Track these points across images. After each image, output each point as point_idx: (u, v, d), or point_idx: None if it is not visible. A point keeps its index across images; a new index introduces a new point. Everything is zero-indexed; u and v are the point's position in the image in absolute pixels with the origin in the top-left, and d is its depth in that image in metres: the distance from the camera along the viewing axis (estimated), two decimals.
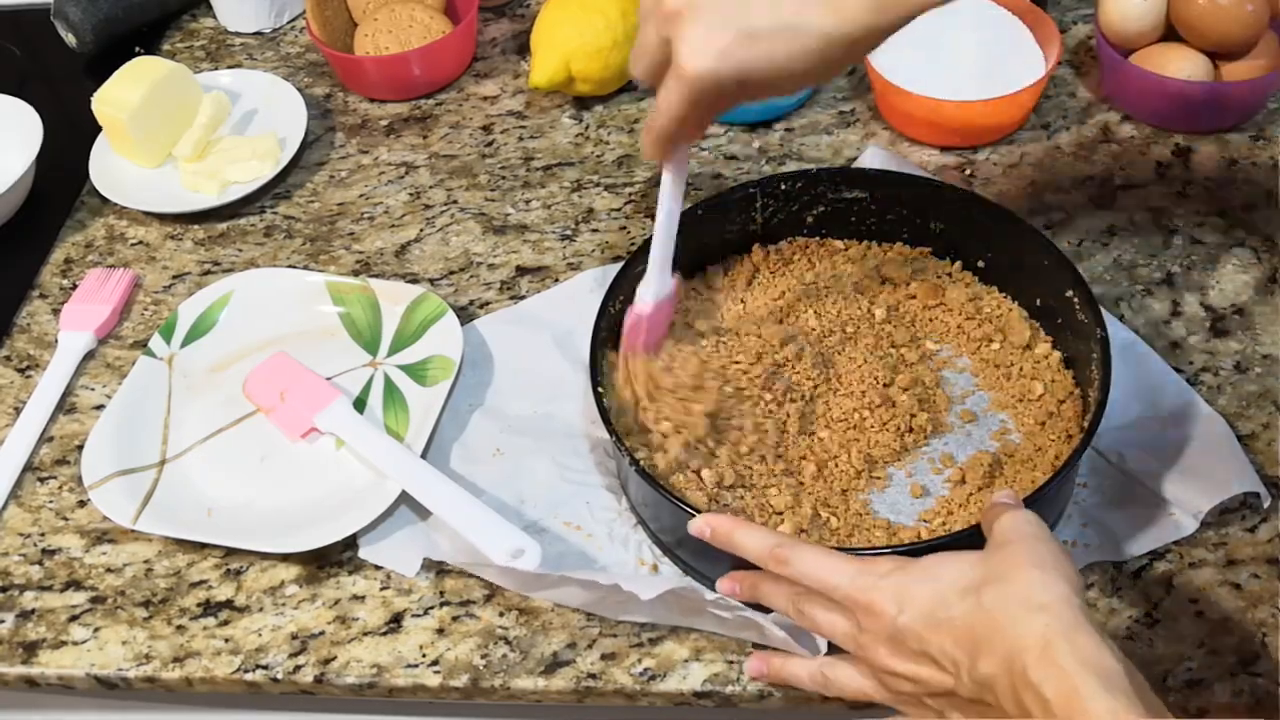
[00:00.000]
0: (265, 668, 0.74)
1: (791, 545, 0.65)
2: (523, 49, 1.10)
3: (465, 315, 0.89)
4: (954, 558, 0.60)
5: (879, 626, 0.61)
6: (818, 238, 0.87)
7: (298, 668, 0.73)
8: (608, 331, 0.79)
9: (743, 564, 0.67)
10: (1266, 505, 0.74)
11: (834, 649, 0.66)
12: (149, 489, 0.80)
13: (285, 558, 0.78)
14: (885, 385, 0.78)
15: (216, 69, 1.11)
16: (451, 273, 0.93)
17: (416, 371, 0.85)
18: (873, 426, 0.77)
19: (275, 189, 1.01)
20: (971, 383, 0.81)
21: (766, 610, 0.68)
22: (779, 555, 0.65)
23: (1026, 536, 0.60)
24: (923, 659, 0.59)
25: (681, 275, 0.77)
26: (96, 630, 0.76)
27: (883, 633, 0.60)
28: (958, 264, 0.85)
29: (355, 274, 0.94)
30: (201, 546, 0.79)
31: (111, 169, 1.01)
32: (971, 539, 0.65)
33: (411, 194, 0.99)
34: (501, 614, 0.74)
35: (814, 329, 0.82)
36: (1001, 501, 0.65)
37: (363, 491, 0.79)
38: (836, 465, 0.76)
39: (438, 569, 0.76)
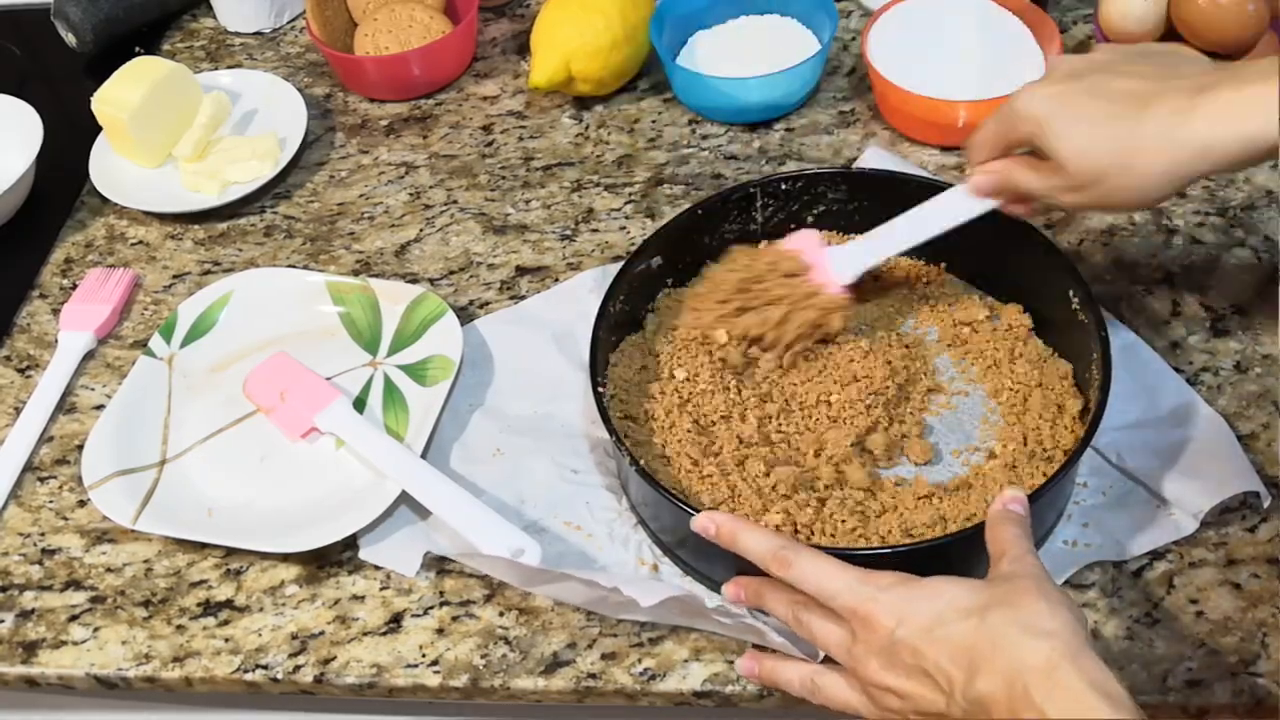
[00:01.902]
0: (265, 668, 0.74)
1: (795, 549, 0.65)
2: (523, 49, 1.10)
3: (465, 315, 0.89)
4: (958, 581, 0.60)
5: (874, 638, 0.60)
6: None
7: (298, 668, 0.73)
8: (607, 332, 0.79)
9: (743, 565, 0.67)
10: (1266, 505, 0.74)
11: (830, 659, 0.65)
12: (149, 489, 0.80)
13: (285, 558, 0.78)
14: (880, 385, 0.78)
15: (216, 69, 1.11)
16: (451, 273, 0.93)
17: (416, 371, 0.85)
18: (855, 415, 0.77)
19: (275, 189, 1.01)
20: (970, 382, 0.81)
21: (767, 615, 0.68)
22: (782, 558, 0.64)
23: (1035, 573, 0.60)
24: (915, 674, 0.59)
25: (682, 277, 0.77)
26: (96, 630, 0.76)
27: (876, 644, 0.60)
28: (957, 264, 0.85)
29: (355, 274, 0.94)
30: (201, 546, 0.79)
31: (111, 169, 1.01)
32: (973, 538, 0.65)
33: (411, 194, 0.99)
34: (501, 614, 0.74)
35: None
36: (1010, 509, 0.65)
37: (362, 491, 0.79)
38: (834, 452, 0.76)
39: (438, 569, 0.76)
